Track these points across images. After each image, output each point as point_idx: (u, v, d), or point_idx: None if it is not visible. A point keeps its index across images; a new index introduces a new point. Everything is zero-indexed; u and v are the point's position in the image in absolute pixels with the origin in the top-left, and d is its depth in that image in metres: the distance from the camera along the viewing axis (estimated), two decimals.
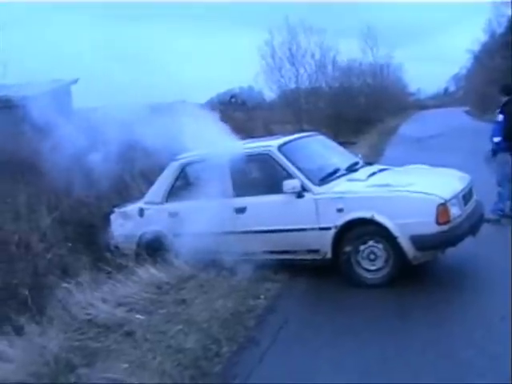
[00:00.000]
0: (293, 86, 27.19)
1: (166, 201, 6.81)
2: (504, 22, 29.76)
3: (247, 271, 5.77)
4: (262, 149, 6.28)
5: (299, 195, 5.75)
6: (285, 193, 5.79)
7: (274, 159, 6.06)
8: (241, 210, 6.11)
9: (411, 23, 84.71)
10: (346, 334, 4.49)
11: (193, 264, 6.16)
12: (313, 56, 27.33)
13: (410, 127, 31.62)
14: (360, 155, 7.29)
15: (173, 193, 6.80)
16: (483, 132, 13.88)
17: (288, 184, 5.74)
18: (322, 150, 6.90)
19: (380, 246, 5.41)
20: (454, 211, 5.27)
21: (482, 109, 30.33)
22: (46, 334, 4.41)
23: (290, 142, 6.44)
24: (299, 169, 5.90)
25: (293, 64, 26.85)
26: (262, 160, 6.26)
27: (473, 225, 5.57)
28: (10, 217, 7.85)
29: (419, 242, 5.18)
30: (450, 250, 5.56)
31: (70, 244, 6.71)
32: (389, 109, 40.15)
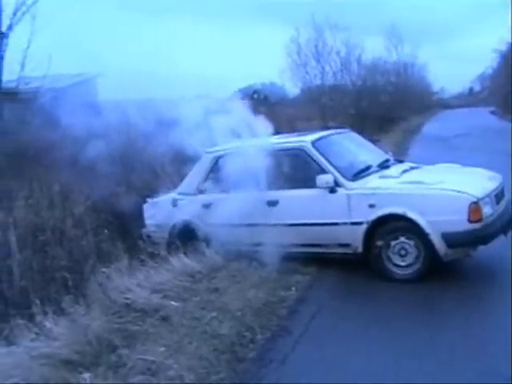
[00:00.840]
0: (318, 82, 27.23)
1: (199, 192, 6.96)
2: None
3: (277, 263, 5.93)
4: (296, 144, 6.43)
5: (332, 190, 5.88)
6: (318, 187, 5.92)
7: (307, 154, 6.19)
8: (273, 203, 6.26)
9: (436, 21, 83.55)
10: (376, 325, 4.62)
11: (224, 254, 6.34)
12: (338, 53, 27.34)
13: (434, 126, 31.45)
14: (390, 153, 7.38)
15: (206, 184, 6.96)
16: (508, 132, 13.91)
17: (321, 179, 5.88)
18: (354, 146, 7.02)
19: (411, 242, 5.51)
20: (486, 210, 5.35)
21: (507, 109, 30.06)
22: (89, 314, 4.61)
23: (324, 137, 6.58)
24: (332, 164, 6.03)
25: (318, 61, 26.91)
26: (296, 155, 6.38)
27: (504, 224, 5.64)
28: (45, 204, 8.06)
29: (451, 239, 5.28)
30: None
31: (106, 231, 6.86)
32: (412, 107, 39.94)
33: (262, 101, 30.87)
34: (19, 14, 7.20)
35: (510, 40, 33.68)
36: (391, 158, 6.91)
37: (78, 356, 4.09)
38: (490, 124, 27.79)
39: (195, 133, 6.91)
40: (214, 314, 4.86)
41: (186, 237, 6.81)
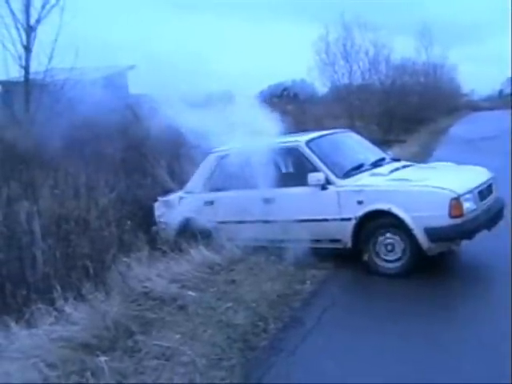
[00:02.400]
0: (346, 81, 27.15)
1: (203, 190, 7.23)
2: None
3: (294, 257, 6.03)
4: (292, 143, 6.68)
5: (323, 187, 6.09)
6: (310, 185, 6.13)
7: (301, 153, 6.45)
8: (269, 201, 6.45)
9: (467, 22, 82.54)
10: (387, 318, 4.71)
11: (243, 248, 6.46)
12: (366, 53, 27.20)
13: (461, 128, 31.09)
14: (389, 152, 7.49)
15: (209, 183, 7.23)
16: None
17: (313, 177, 6.11)
18: (351, 146, 7.24)
19: (397, 237, 5.68)
20: (468, 206, 5.47)
21: None
22: (108, 301, 4.76)
23: (319, 137, 6.84)
24: (324, 163, 6.26)
25: (346, 60, 26.79)
26: (292, 154, 6.71)
27: (488, 219, 5.75)
28: (70, 194, 8.25)
29: (433, 234, 5.43)
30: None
31: (129, 222, 7.02)
32: (441, 109, 39.50)
33: (291, 98, 30.97)
34: (48, 6, 7.41)
35: None
36: (388, 157, 7.08)
37: (95, 340, 4.24)
38: None
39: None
40: (230, 304, 5.00)
41: (189, 234, 6.98)
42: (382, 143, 16.50)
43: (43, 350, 3.97)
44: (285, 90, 34.76)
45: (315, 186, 6.13)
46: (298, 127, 11.09)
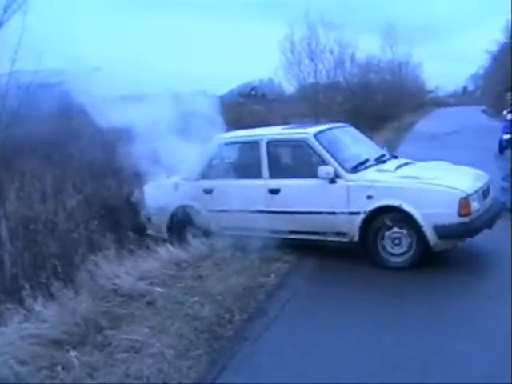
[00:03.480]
0: (312, 80, 27.42)
1: (202, 178, 7.12)
2: None
3: (260, 252, 6.21)
4: (299, 135, 6.68)
5: (332, 181, 6.15)
6: (319, 178, 6.19)
7: (309, 146, 6.45)
8: (275, 191, 6.52)
9: (431, 21, 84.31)
10: (347, 307, 4.97)
11: (209, 244, 6.61)
12: (331, 52, 27.52)
13: (426, 124, 31.77)
14: (386, 148, 7.67)
15: (208, 170, 7.10)
16: (496, 130, 14.20)
17: (323, 170, 6.15)
18: (353, 140, 7.31)
19: (405, 232, 5.83)
20: (475, 205, 5.69)
21: (498, 108, 30.35)
22: (76, 298, 4.87)
23: (325, 130, 6.84)
24: (333, 156, 6.30)
25: (312, 59, 27.07)
26: (298, 146, 6.65)
27: (489, 219, 5.99)
28: (37, 197, 8.29)
29: (441, 231, 5.61)
30: None
31: (97, 222, 7.10)
32: (406, 106, 40.17)
33: (259, 98, 31.17)
34: (10, 10, 7.43)
35: (502, 41, 34.08)
36: (387, 153, 7.21)
37: (65, 336, 4.35)
38: (481, 122, 28.10)
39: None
40: (197, 298, 5.14)
41: (185, 221, 7.06)
42: None
43: (13, 347, 4.06)
44: (253, 89, 34.94)
45: (324, 178, 6.17)
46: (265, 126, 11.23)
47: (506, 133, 8.28)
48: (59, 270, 5.48)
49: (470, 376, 3.53)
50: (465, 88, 75.90)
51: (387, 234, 5.90)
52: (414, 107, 44.90)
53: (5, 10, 7.12)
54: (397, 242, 5.88)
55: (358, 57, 29.96)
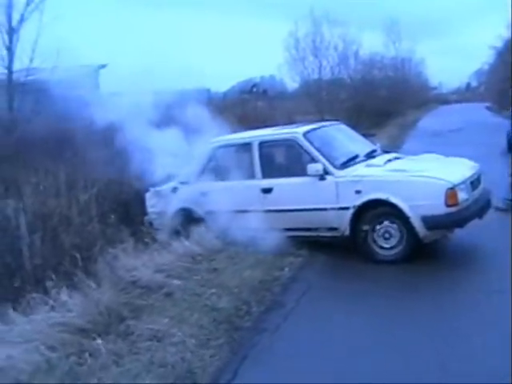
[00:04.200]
0: (315, 77, 27.56)
1: (198, 180, 7.32)
2: None
3: (272, 246, 6.36)
4: (289, 135, 6.91)
5: (322, 178, 6.34)
6: (308, 175, 6.38)
7: (299, 144, 6.66)
8: (267, 191, 6.70)
9: (434, 17, 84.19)
10: (359, 299, 5.15)
11: (223, 239, 6.76)
12: (336, 48, 27.66)
13: (429, 121, 31.87)
14: (378, 144, 7.82)
15: (205, 173, 7.31)
16: (502, 127, 14.35)
17: (312, 167, 6.34)
18: (344, 137, 7.50)
19: (394, 225, 5.99)
20: (462, 195, 5.84)
21: (502, 105, 30.45)
22: (99, 289, 5.04)
23: (315, 129, 7.05)
24: (322, 154, 6.50)
25: (316, 56, 27.22)
26: (288, 145, 6.88)
27: (479, 209, 6.14)
28: (51, 192, 8.44)
29: (429, 222, 5.76)
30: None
31: (113, 216, 7.26)
32: (410, 102, 40.28)
33: (260, 94, 31.25)
34: (29, 9, 7.60)
35: (506, 36, 34.09)
36: (378, 149, 7.38)
37: (90, 325, 4.53)
38: (485, 119, 28.21)
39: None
40: (213, 290, 5.30)
41: (185, 223, 7.20)
42: None
43: (43, 335, 4.24)
44: (254, 86, 34.98)
45: (313, 176, 6.35)
46: (269, 123, 11.36)
47: None
48: (79, 262, 5.64)
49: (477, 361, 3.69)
50: (468, 84, 75.80)
51: (377, 227, 6.06)
52: (417, 104, 44.96)
53: (24, 9, 7.26)
54: (387, 235, 6.04)
55: (361, 53, 30.14)
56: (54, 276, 5.19)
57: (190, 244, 6.70)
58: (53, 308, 4.71)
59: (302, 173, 6.46)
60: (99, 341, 4.23)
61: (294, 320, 4.76)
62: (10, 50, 6.82)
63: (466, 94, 70.09)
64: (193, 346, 4.21)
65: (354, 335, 4.36)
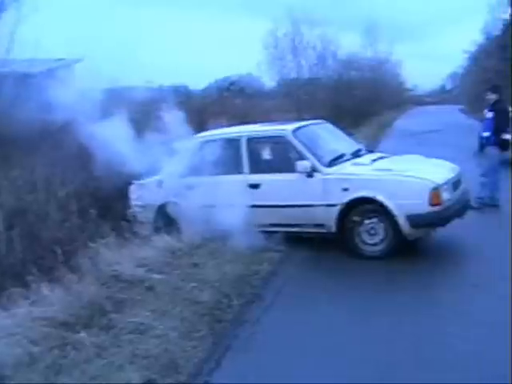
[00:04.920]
0: (294, 76, 27.72)
1: (184, 175, 7.27)
2: (500, 24, 30.32)
3: (252, 241, 6.43)
4: (278, 131, 6.99)
5: (309, 175, 6.44)
6: (297, 172, 6.47)
7: (288, 141, 6.74)
8: (255, 186, 6.77)
9: (412, 21, 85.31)
10: (336, 292, 5.31)
11: (203, 234, 6.80)
12: (314, 48, 27.85)
13: (405, 122, 32.30)
14: (362, 143, 7.95)
15: (191, 168, 7.25)
16: (474, 129, 14.63)
17: (300, 165, 6.43)
18: (330, 136, 7.62)
19: (379, 222, 6.12)
20: (445, 195, 5.99)
21: (475, 107, 30.96)
22: (81, 283, 5.06)
23: (303, 127, 7.14)
24: (310, 151, 6.59)
25: (294, 55, 27.38)
26: (277, 142, 6.94)
27: (460, 208, 6.34)
28: (28, 188, 8.40)
29: (414, 220, 5.91)
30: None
31: (93, 211, 7.24)
32: (386, 103, 40.73)
33: (238, 92, 31.27)
34: (7, 1, 7.58)
35: (479, 41, 34.66)
36: (363, 148, 7.52)
37: (72, 318, 4.56)
38: (458, 121, 28.69)
39: None
40: (194, 284, 5.35)
41: (170, 217, 7.25)
42: None
43: (25, 329, 4.26)
44: (232, 84, 34.98)
45: (301, 173, 6.44)
46: (248, 121, 11.40)
47: (486, 130, 8.62)
48: (60, 256, 5.65)
49: (459, 354, 3.81)
50: (443, 87, 76.89)
51: (363, 224, 6.18)
52: (393, 105, 45.46)
53: (1, 2, 7.21)
54: (372, 232, 6.17)
55: (339, 54, 30.38)
56: (34, 271, 5.18)
57: (171, 239, 6.74)
58: (34, 302, 4.72)
59: (290, 169, 6.54)
60: (82, 334, 4.25)
61: (273, 312, 4.86)
62: None
63: (440, 96, 71.08)
64: (175, 338, 4.26)
65: (332, 326, 4.47)
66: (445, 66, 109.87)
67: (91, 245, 6.00)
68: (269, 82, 30.73)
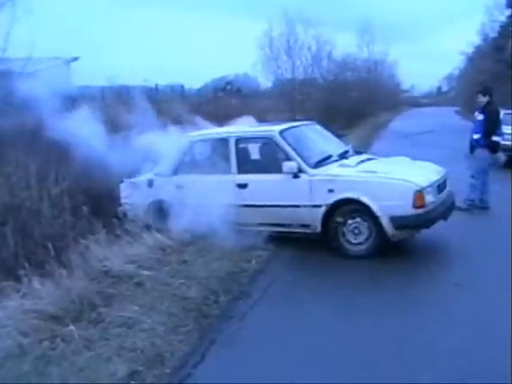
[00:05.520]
0: (289, 76, 27.83)
1: (174, 174, 7.45)
2: (497, 26, 30.55)
3: (240, 240, 6.53)
4: (265, 133, 7.08)
5: (296, 176, 6.54)
6: (283, 173, 6.57)
7: (275, 142, 6.84)
8: (242, 186, 6.88)
9: (408, 21, 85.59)
10: (321, 290, 5.43)
11: (192, 232, 6.91)
12: (309, 49, 27.99)
13: (400, 123, 32.50)
14: (350, 145, 8.07)
15: (180, 167, 7.46)
16: (468, 131, 14.77)
17: (287, 165, 6.53)
18: (318, 137, 7.72)
19: (364, 223, 6.24)
20: (429, 198, 6.11)
21: (471, 109, 31.12)
22: (71, 278, 5.17)
23: (290, 128, 7.23)
24: (297, 152, 6.68)
25: (289, 55, 27.50)
26: (265, 142, 7.10)
27: (444, 210, 6.45)
28: (22, 185, 8.48)
29: (397, 221, 6.03)
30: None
31: (86, 208, 7.33)
32: (381, 104, 40.90)
33: (234, 92, 31.37)
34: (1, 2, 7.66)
35: (476, 43, 34.91)
36: (350, 150, 7.60)
37: (62, 312, 4.66)
38: (453, 123, 28.86)
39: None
40: (183, 280, 5.47)
41: (159, 215, 7.34)
42: None
43: (15, 321, 4.37)
44: (228, 83, 35.08)
45: (288, 174, 6.54)
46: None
47: (477, 132, 8.72)
48: (52, 252, 5.74)
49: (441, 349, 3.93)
50: (439, 88, 77.22)
51: (348, 224, 6.30)
52: (389, 106, 45.66)
53: None
54: (357, 232, 6.29)
55: (334, 54, 30.52)
56: (26, 265, 5.27)
57: (161, 236, 6.84)
58: (25, 295, 4.83)
59: (277, 170, 6.63)
60: (71, 327, 4.35)
61: (259, 309, 4.97)
62: None
63: (436, 98, 71.42)
64: (162, 333, 4.38)
65: (316, 324, 4.58)
66: (442, 67, 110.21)
67: (82, 241, 6.09)
68: (265, 82, 30.84)
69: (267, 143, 7.01)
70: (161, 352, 4.09)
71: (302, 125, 7.83)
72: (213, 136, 7.48)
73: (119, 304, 4.94)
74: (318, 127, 8.18)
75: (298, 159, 6.60)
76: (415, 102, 65.59)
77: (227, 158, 7.01)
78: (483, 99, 8.83)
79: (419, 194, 6.00)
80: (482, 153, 8.66)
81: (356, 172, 6.47)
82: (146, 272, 5.74)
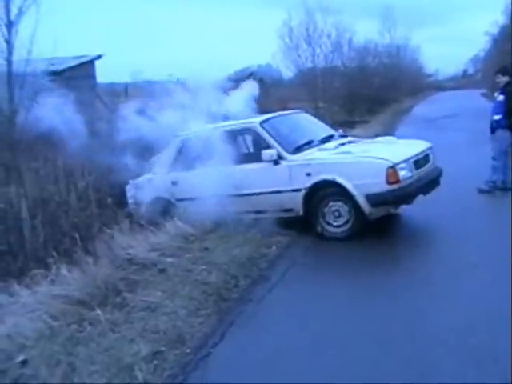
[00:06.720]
0: (309, 65, 27.78)
1: (170, 171, 7.81)
2: None
3: (261, 227, 6.72)
4: (248, 124, 7.38)
5: (276, 163, 6.80)
6: (264, 161, 6.84)
7: (257, 133, 7.18)
8: (231, 177, 7.01)
9: (430, 3, 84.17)
10: (339, 274, 5.58)
11: (214, 220, 7.10)
12: (329, 36, 27.87)
13: (424, 108, 32.15)
14: (340, 130, 8.27)
15: (175, 164, 7.81)
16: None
17: (266, 153, 6.82)
18: (303, 124, 8.01)
19: (342, 204, 6.45)
20: (404, 173, 6.24)
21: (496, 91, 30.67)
22: (97, 265, 5.41)
23: (272, 118, 7.55)
24: (276, 140, 6.95)
25: (309, 44, 27.43)
26: (248, 134, 7.52)
27: (423, 185, 6.56)
28: (50, 180, 8.79)
29: (373, 199, 6.21)
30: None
31: (110, 199, 7.59)
32: (404, 89, 40.53)
33: (257, 83, 31.43)
34: (26, 3, 7.86)
35: (501, 23, 34.24)
36: (337, 134, 7.82)
37: (88, 297, 4.90)
38: (478, 106, 28.42)
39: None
40: (204, 267, 5.66)
41: (159, 212, 7.63)
42: (344, 124, 17.27)
43: (45, 305, 4.62)
44: (251, 74, 35.16)
45: (269, 161, 6.80)
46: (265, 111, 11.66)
47: (497, 113, 8.67)
48: (78, 241, 6.00)
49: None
50: (465, 71, 76.05)
51: (327, 207, 6.51)
52: (412, 91, 45.21)
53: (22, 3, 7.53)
54: (337, 214, 6.48)
55: (355, 41, 30.35)
56: (54, 254, 5.53)
57: (183, 225, 7.05)
58: (54, 282, 5.08)
59: (260, 159, 6.90)
60: (97, 311, 4.59)
61: (277, 292, 5.13)
62: (8, 42, 7.10)
63: (462, 81, 70.31)
64: (183, 316, 4.58)
65: (332, 306, 4.71)
66: (467, 49, 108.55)
67: (107, 231, 6.33)
68: (286, 71, 30.84)
69: (250, 134, 7.41)
70: (182, 333, 4.29)
71: (286, 114, 8.16)
72: (200, 133, 7.64)
73: (143, 289, 5.16)
74: (305, 115, 8.54)
75: (278, 146, 6.86)
76: (440, 86, 64.75)
77: (215, 152, 7.16)
78: (503, 79, 8.75)
79: (392, 170, 6.13)
80: (502, 134, 8.59)
81: (331, 154, 6.68)
82: (168, 259, 5.95)
